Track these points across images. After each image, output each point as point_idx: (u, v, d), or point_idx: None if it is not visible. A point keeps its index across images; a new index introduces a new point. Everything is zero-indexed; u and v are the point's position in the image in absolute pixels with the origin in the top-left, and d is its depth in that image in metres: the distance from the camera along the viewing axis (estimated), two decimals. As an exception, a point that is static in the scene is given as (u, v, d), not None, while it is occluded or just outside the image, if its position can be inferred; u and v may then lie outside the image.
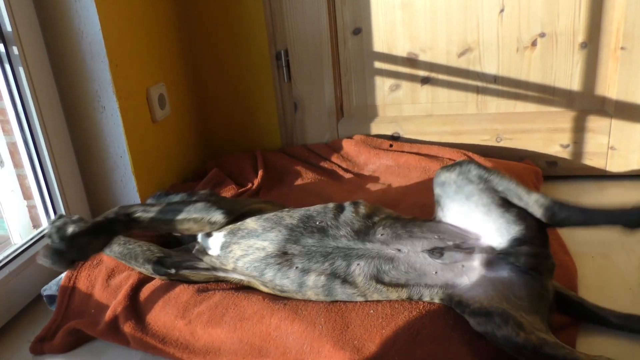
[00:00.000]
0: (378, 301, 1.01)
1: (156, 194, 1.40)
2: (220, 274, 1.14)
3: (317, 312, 1.00)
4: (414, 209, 1.34)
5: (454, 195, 1.04)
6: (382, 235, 1.03)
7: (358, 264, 1.00)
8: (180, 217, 1.09)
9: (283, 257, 1.04)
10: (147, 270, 1.16)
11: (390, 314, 0.97)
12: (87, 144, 1.47)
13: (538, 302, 0.93)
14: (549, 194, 1.55)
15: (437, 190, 1.07)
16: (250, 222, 1.11)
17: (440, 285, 0.98)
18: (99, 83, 1.40)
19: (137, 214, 1.08)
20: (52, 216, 1.43)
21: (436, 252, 0.99)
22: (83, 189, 1.50)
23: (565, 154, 1.67)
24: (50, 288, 1.24)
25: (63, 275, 1.24)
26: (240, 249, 1.07)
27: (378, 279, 0.99)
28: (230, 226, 1.12)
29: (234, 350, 1.02)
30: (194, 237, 1.22)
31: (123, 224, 1.07)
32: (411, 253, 0.99)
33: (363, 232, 1.04)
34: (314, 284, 1.01)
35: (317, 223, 1.07)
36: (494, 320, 0.86)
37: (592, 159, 1.66)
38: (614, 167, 1.65)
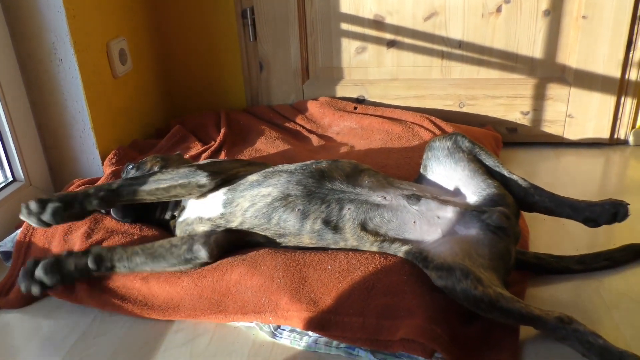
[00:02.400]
0: (335, 256, 1.03)
1: (127, 167, 1.31)
2: None
3: (276, 267, 1.01)
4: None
5: (443, 159, 1.11)
6: (368, 182, 1.08)
7: (349, 208, 1.04)
8: (164, 185, 1.09)
9: (287, 199, 1.06)
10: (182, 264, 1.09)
11: (347, 269, 0.99)
12: (44, 98, 1.43)
13: (498, 260, 0.97)
14: (508, 160, 1.62)
15: (428, 154, 1.14)
16: (251, 176, 1.12)
17: (414, 240, 1.01)
18: (56, 34, 1.35)
19: (121, 190, 1.09)
20: (7, 171, 1.39)
21: (413, 198, 1.04)
22: (40, 144, 1.46)
23: (525, 120, 1.71)
24: (5, 244, 1.22)
25: (18, 231, 1.21)
26: (246, 200, 1.08)
27: (363, 226, 1.03)
28: (230, 185, 1.12)
29: (193, 306, 1.04)
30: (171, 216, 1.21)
31: (102, 200, 1.08)
32: (393, 201, 1.04)
33: (352, 177, 1.09)
34: (310, 229, 1.05)
35: (314, 166, 1.10)
36: (455, 275, 0.90)
37: (551, 127, 1.70)
38: (570, 134, 1.70)
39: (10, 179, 1.40)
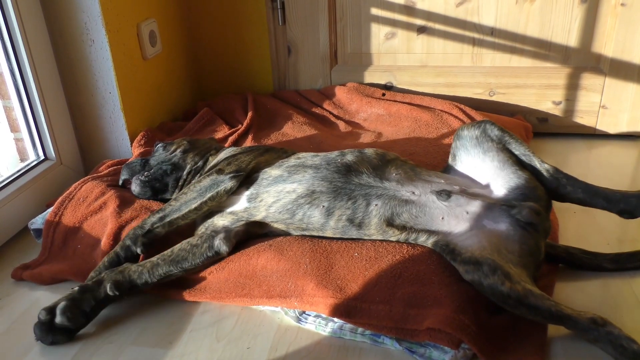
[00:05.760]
0: (362, 244, 1.03)
1: (156, 145, 1.32)
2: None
3: (302, 253, 1.02)
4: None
5: (471, 148, 1.08)
6: (396, 174, 1.06)
7: (376, 205, 1.02)
8: (195, 204, 1.08)
9: (312, 195, 1.04)
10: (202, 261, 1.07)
11: (374, 257, 0.99)
12: (76, 78, 1.44)
13: (528, 257, 0.95)
14: (538, 150, 1.59)
15: (456, 143, 1.11)
16: (272, 170, 1.11)
17: (442, 233, 0.99)
18: (88, 15, 1.36)
19: (156, 228, 1.08)
20: (40, 150, 1.41)
21: (444, 194, 1.01)
22: (71, 123, 1.48)
23: (556, 110, 1.67)
24: (37, 222, 1.24)
25: (49, 210, 1.23)
26: (270, 196, 1.07)
27: (390, 222, 1.01)
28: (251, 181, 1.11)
29: (219, 288, 1.05)
30: None
31: (144, 245, 1.07)
32: (422, 196, 1.02)
33: (380, 170, 1.07)
34: (334, 225, 1.04)
35: (339, 160, 1.08)
36: (482, 269, 0.88)
37: (583, 117, 1.67)
38: (603, 126, 1.66)
39: (42, 157, 1.42)
